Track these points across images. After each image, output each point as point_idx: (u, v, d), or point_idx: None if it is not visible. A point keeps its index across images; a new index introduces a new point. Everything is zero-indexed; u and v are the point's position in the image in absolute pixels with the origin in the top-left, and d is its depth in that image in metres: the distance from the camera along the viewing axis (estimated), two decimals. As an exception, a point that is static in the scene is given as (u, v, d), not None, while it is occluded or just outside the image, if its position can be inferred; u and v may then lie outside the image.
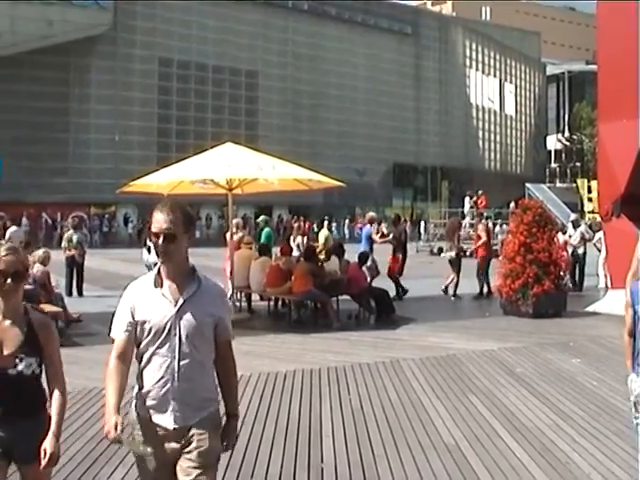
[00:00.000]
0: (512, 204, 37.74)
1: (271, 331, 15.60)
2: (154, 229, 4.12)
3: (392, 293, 18.89)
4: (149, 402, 4.33)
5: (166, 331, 4.17)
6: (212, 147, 17.92)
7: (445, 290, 21.17)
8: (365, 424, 8.44)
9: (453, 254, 21.33)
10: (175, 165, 17.49)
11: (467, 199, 46.73)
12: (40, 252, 16.03)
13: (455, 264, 21.18)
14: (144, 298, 4.28)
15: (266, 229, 22.08)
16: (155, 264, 4.56)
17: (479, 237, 22.24)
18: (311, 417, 8.78)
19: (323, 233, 21.70)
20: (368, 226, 22.64)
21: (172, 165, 17.80)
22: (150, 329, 4.22)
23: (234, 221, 20.18)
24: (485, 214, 44.20)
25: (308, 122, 73.72)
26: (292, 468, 7.03)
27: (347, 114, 76.15)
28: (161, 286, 4.24)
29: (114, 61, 62.93)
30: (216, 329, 4.30)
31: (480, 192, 46.69)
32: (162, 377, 4.23)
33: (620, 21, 17.55)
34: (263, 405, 9.36)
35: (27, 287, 14.77)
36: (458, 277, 21.05)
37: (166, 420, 4.22)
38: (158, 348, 4.23)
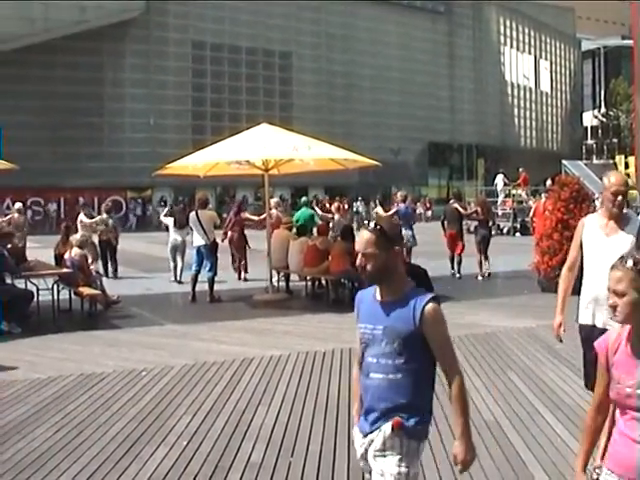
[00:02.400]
0: (549, 181, 37.42)
1: (309, 311, 15.69)
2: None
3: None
4: None
5: None
6: (247, 129, 17.97)
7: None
8: (404, 402, 8.46)
9: (485, 232, 21.22)
10: (211, 147, 17.57)
11: (500, 177, 46.38)
12: (78, 236, 16.19)
13: (483, 243, 21.07)
14: None
15: (304, 209, 22.11)
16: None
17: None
18: (350, 395, 8.81)
19: (377, 211, 21.53)
20: (402, 205, 22.58)
21: (207, 147, 17.89)
22: None
23: (272, 201, 20.32)
24: (522, 192, 44.15)
25: (342, 102, 73.52)
26: (332, 445, 7.08)
27: (381, 94, 75.85)
28: None
29: (148, 45, 63.10)
30: None
31: (520, 169, 46.41)
32: None
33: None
34: (303, 383, 9.42)
35: (66, 270, 15.05)
36: (483, 255, 21.00)
37: None
38: None
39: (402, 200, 22.64)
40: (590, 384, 5.91)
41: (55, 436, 7.41)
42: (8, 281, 14.50)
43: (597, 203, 22.99)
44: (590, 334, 6.13)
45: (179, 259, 20.12)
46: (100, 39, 59.47)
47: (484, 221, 21.47)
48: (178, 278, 20.03)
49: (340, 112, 72.57)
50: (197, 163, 17.92)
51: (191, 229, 17.78)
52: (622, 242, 6.20)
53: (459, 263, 21.14)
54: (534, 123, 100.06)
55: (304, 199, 24.46)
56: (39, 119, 55.77)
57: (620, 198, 6.35)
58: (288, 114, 66.34)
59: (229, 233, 21.00)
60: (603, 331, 4.98)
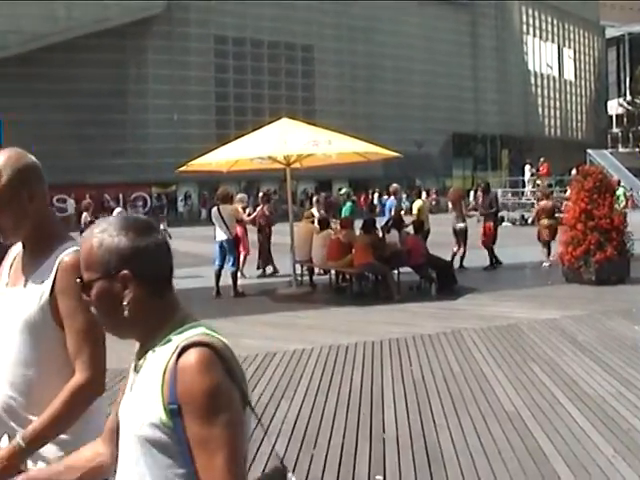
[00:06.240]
0: (573, 171, 37.26)
1: (333, 304, 15.69)
2: None
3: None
4: None
5: None
6: (270, 123, 18.01)
7: (455, 262, 20.78)
8: (426, 394, 8.49)
9: (462, 225, 21.10)
10: (232, 143, 17.64)
11: (527, 167, 46.24)
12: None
13: (462, 235, 21.01)
14: None
15: (348, 203, 22.11)
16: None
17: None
18: (373, 388, 8.85)
19: (417, 204, 21.38)
20: (392, 198, 22.57)
21: (230, 143, 17.93)
22: None
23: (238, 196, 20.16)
24: (547, 182, 43.86)
25: (365, 94, 73.47)
26: (354, 438, 7.10)
27: (404, 85, 75.69)
28: None
29: (170, 41, 63.32)
30: None
31: (542, 159, 46.17)
32: None
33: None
34: (325, 377, 9.45)
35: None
36: (465, 248, 20.92)
37: None
38: None
39: (393, 193, 22.69)
40: None
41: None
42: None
43: (620, 192, 22.87)
44: None
45: None
46: (123, 36, 59.75)
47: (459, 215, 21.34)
48: None
49: (363, 104, 72.52)
50: (219, 160, 18.00)
51: (213, 224, 17.80)
52: None
53: (491, 252, 21.08)
54: (558, 112, 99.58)
55: (345, 190, 24.46)
56: (63, 117, 56.10)
57: None
58: (311, 107, 66.41)
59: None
60: None
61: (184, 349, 2.15)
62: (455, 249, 20.84)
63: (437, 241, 20.57)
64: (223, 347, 2.19)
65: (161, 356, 2.20)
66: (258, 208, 20.68)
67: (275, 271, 20.87)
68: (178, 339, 2.20)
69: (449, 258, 20.04)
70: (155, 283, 2.27)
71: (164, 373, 2.15)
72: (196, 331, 2.23)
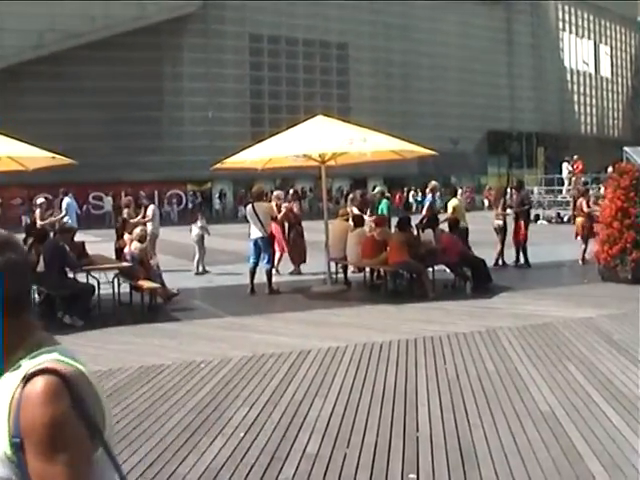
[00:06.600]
0: (609, 168, 36.96)
1: (367, 302, 15.68)
2: None
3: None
4: None
5: None
6: (305, 121, 18.01)
7: (496, 262, 20.87)
8: (461, 393, 8.47)
9: (501, 222, 21.02)
10: (267, 141, 17.64)
11: (565, 165, 45.90)
12: (138, 230, 16.37)
13: (501, 232, 20.92)
14: None
15: (383, 200, 22.09)
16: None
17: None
18: (407, 386, 8.84)
19: (452, 202, 21.30)
20: (429, 196, 22.51)
21: (265, 140, 17.95)
22: None
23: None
24: (583, 179, 43.51)
25: (400, 92, 73.35)
26: (388, 436, 7.10)
27: (439, 83, 75.48)
28: None
29: (206, 39, 63.56)
30: None
31: (575, 157, 45.75)
32: None
33: None
34: (360, 375, 9.46)
35: (126, 264, 15.27)
36: (503, 245, 20.81)
37: None
38: None
39: (431, 190, 22.64)
40: None
41: (115, 427, 7.53)
42: (70, 275, 14.75)
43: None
44: None
45: None
46: (158, 34, 60.14)
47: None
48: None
49: (398, 102, 72.39)
50: (254, 158, 18.04)
51: (248, 221, 17.84)
52: None
53: (523, 251, 21.00)
54: (594, 110, 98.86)
55: (378, 189, 24.43)
56: (100, 114, 56.54)
57: None
58: (345, 105, 66.42)
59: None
60: None
61: (31, 376, 1.93)
62: (499, 247, 20.83)
63: (476, 240, 20.52)
64: (75, 375, 1.98)
65: (10, 383, 1.99)
66: (284, 205, 20.66)
67: (297, 270, 20.87)
68: (28, 365, 1.99)
69: (494, 256, 20.14)
70: (9, 302, 2.04)
71: (11, 402, 1.95)
72: (48, 357, 2.02)
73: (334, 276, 18.33)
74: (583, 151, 54.29)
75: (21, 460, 1.90)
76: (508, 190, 22.26)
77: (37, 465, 1.88)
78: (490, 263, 19.10)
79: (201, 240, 21.28)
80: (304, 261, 20.89)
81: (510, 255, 20.99)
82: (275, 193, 20.63)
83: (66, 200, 23.90)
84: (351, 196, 23.53)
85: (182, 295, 16.30)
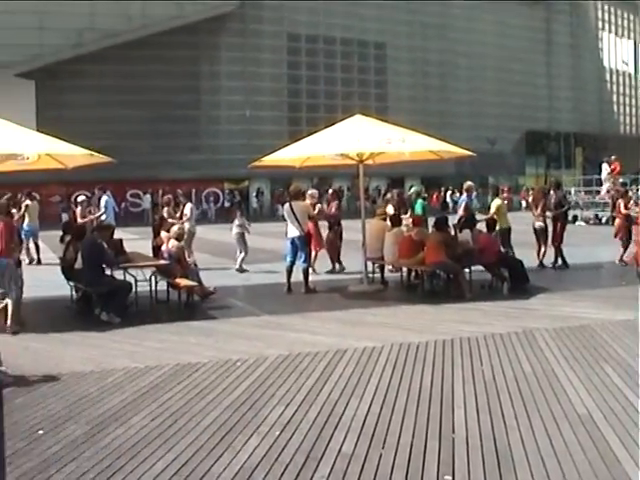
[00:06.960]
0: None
1: (404, 302, 15.62)
2: None
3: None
4: None
5: None
6: (342, 120, 17.97)
7: (540, 263, 20.73)
8: (497, 395, 8.41)
9: (542, 224, 20.86)
10: (305, 140, 17.60)
11: (604, 165, 45.48)
12: (175, 228, 16.43)
13: (542, 234, 20.77)
14: None
15: (419, 200, 22.04)
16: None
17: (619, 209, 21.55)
18: (443, 388, 8.80)
19: (495, 202, 21.14)
20: (464, 195, 22.41)
21: (303, 139, 17.94)
22: None
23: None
24: (621, 180, 43.11)
25: (437, 92, 73.19)
26: (423, 438, 7.06)
27: (477, 82, 75.22)
28: None
29: (243, 38, 63.78)
30: None
31: (613, 157, 45.29)
32: None
33: None
34: (396, 375, 9.42)
35: (163, 262, 15.33)
36: (546, 246, 20.65)
37: None
38: None
39: (466, 190, 22.53)
40: None
41: (151, 424, 7.57)
42: (107, 273, 14.83)
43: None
44: None
45: None
46: (196, 33, 60.45)
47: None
48: None
49: (435, 101, 72.23)
50: (292, 156, 18.02)
51: (285, 220, 17.85)
52: None
53: (560, 253, 20.86)
54: (634, 110, 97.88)
55: (414, 189, 24.34)
56: (137, 113, 56.98)
57: None
58: (383, 104, 66.36)
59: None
60: None
61: None
62: (538, 249, 20.70)
63: (514, 240, 20.39)
64: None
65: None
66: (319, 206, 20.62)
67: (334, 269, 20.86)
68: None
69: (536, 257, 20.05)
70: None
71: None
72: None
73: (371, 275, 18.30)
74: (622, 151, 53.80)
75: None
76: (550, 192, 22.03)
77: None
78: (531, 264, 18.98)
79: (241, 238, 21.35)
80: (338, 261, 20.94)
81: (548, 256, 20.85)
82: (310, 192, 20.58)
83: (104, 198, 24.07)
84: (388, 195, 23.47)
85: (219, 293, 16.32)
